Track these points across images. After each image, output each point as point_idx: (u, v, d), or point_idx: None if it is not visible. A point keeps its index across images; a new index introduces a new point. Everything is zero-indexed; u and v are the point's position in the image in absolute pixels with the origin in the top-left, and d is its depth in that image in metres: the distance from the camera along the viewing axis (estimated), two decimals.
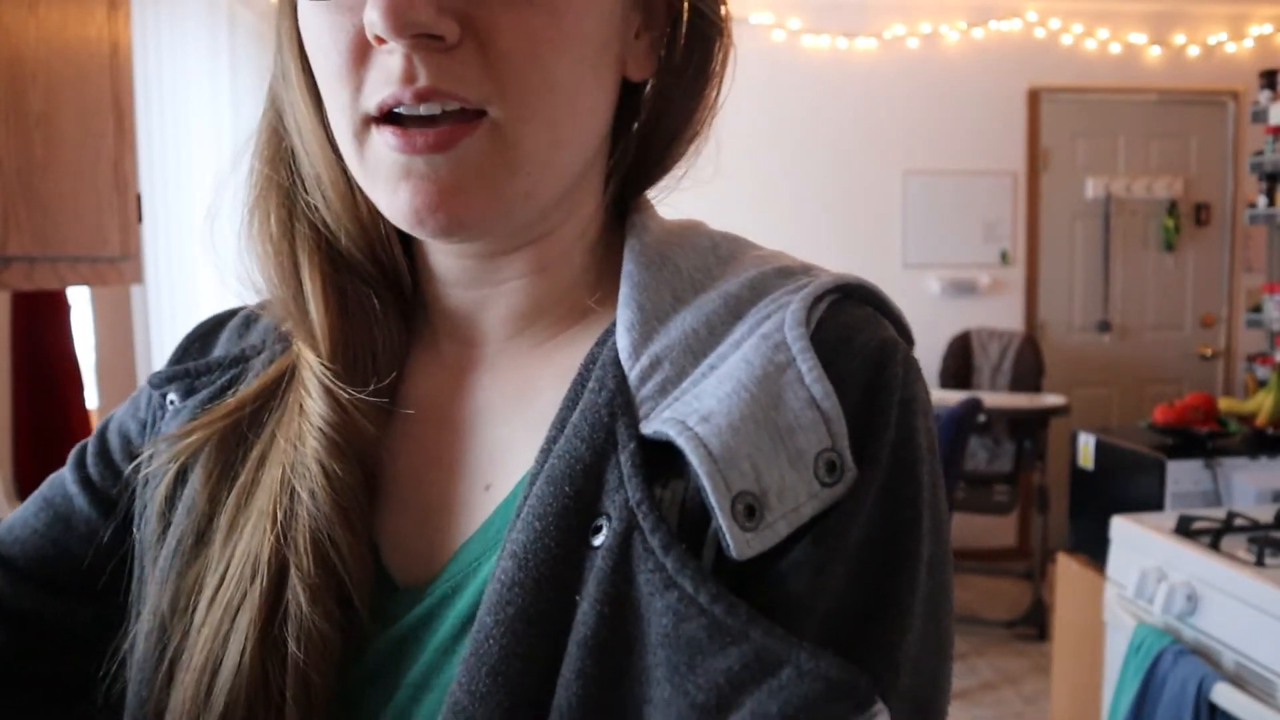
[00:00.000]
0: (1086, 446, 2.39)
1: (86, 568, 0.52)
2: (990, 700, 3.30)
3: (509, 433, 0.47)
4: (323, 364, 0.46)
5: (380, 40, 0.39)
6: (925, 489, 0.40)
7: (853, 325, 0.43)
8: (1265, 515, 1.84)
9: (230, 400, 0.49)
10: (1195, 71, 4.64)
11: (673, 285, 0.46)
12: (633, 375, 0.42)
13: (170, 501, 0.49)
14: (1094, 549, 2.16)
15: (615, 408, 0.41)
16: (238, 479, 0.47)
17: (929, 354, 4.46)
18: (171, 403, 0.51)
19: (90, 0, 1.49)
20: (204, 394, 0.50)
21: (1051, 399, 3.92)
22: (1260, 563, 1.60)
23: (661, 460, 0.39)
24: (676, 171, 0.53)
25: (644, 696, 0.36)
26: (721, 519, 0.37)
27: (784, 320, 0.42)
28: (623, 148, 0.50)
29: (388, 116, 0.40)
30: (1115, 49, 4.60)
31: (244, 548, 0.45)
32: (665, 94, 0.49)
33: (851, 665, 0.35)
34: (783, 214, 4.51)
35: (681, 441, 0.38)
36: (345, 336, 0.47)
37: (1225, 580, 1.62)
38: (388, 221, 0.44)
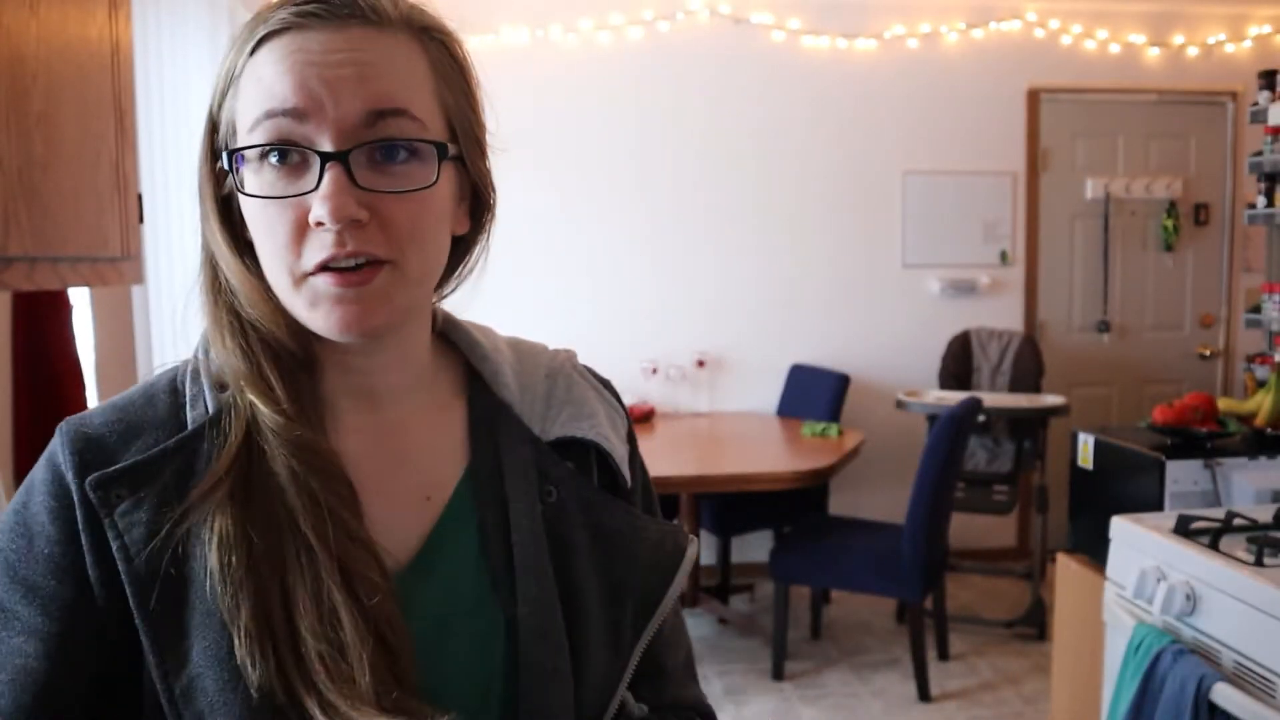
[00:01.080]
0: (1086, 446, 2.39)
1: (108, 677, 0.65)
2: (990, 700, 3.30)
3: (430, 462, 0.73)
4: (289, 420, 0.66)
5: (320, 224, 0.62)
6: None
7: (595, 372, 0.84)
8: (1264, 515, 1.84)
9: (217, 468, 0.65)
10: (1194, 72, 4.65)
11: (509, 363, 0.79)
12: (521, 412, 0.76)
13: (182, 553, 0.64)
14: (1094, 549, 2.17)
15: (523, 429, 0.75)
16: (257, 519, 0.64)
17: (929, 354, 4.46)
18: (120, 496, 0.64)
19: (91, 1, 1.50)
20: (165, 479, 0.65)
21: (1051, 399, 3.92)
22: (1259, 563, 1.61)
23: (558, 452, 0.76)
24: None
25: (620, 552, 0.74)
26: (623, 468, 0.78)
27: (582, 374, 0.82)
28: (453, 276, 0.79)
29: (321, 266, 0.63)
30: (1115, 49, 4.60)
31: (295, 561, 0.63)
32: (462, 243, 0.76)
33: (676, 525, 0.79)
34: (783, 214, 4.51)
35: (592, 436, 0.77)
36: (299, 402, 0.68)
37: (1224, 580, 1.62)
38: (303, 328, 0.67)
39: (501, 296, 4.53)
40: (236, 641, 0.61)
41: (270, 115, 0.63)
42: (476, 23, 4.25)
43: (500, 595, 0.70)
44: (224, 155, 0.65)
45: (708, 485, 3.38)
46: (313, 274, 0.63)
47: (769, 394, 4.50)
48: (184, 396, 0.69)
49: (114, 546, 0.63)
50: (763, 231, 4.51)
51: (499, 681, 0.69)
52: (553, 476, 0.74)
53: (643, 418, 4.25)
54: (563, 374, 0.80)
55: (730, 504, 3.99)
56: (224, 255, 0.68)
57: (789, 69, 4.45)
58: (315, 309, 0.64)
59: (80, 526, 0.64)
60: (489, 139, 0.74)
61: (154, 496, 0.64)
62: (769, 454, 3.75)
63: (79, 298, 2.25)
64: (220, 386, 0.68)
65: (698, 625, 3.97)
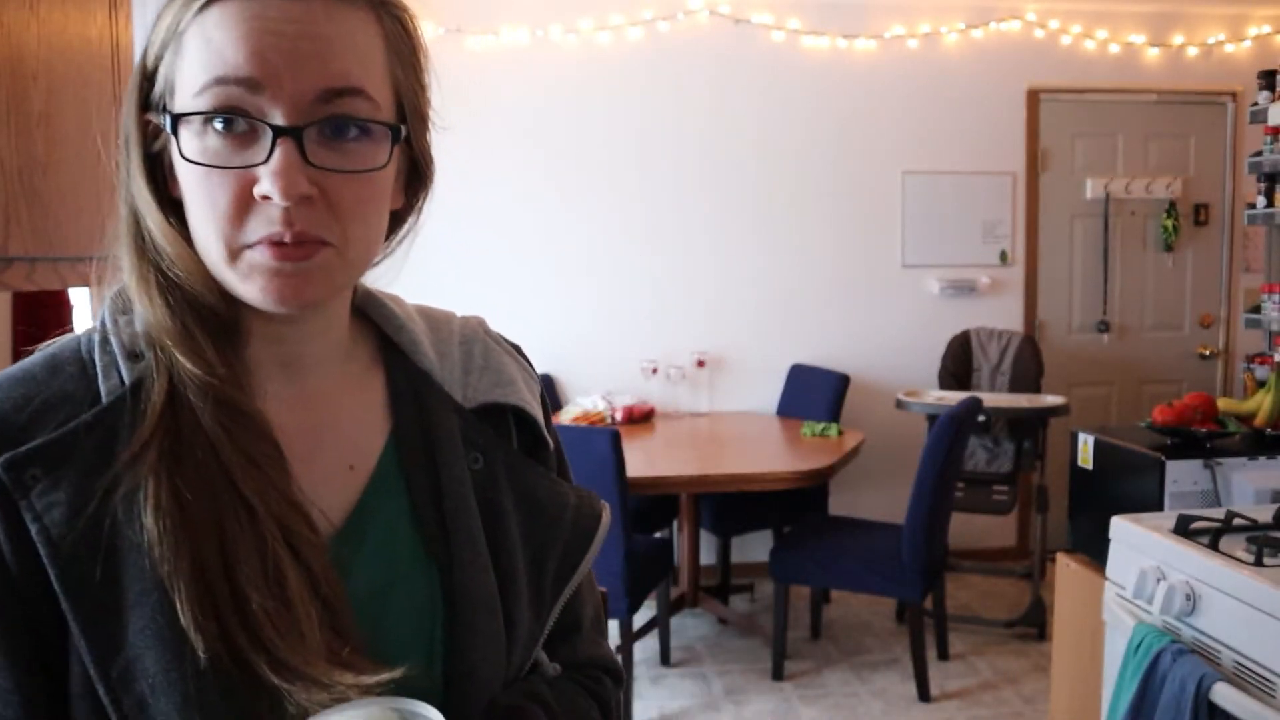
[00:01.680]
0: (1086, 446, 2.39)
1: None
2: (990, 700, 3.30)
3: (353, 431, 0.73)
4: (219, 381, 0.64)
5: (267, 199, 0.60)
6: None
7: (505, 337, 0.85)
8: (1264, 515, 1.84)
9: (143, 430, 0.62)
10: (1194, 72, 4.65)
11: (425, 332, 0.79)
12: (442, 379, 0.76)
13: (111, 527, 0.60)
14: (1093, 549, 2.17)
15: (446, 397, 0.76)
16: (191, 479, 0.62)
17: (929, 354, 4.46)
18: (35, 478, 0.59)
19: (91, 1, 1.50)
20: (86, 454, 0.61)
21: (1051, 399, 3.92)
22: (1259, 562, 1.61)
23: (479, 418, 0.77)
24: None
25: (542, 516, 0.76)
26: (545, 431, 0.81)
27: (496, 340, 0.83)
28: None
29: (259, 240, 0.62)
30: (1114, 49, 4.61)
31: (234, 520, 0.62)
32: (394, 217, 0.74)
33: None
34: (783, 214, 4.51)
35: (515, 401, 0.78)
36: (227, 365, 0.66)
37: (1224, 580, 1.62)
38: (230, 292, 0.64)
39: (502, 296, 4.55)
40: (179, 607, 0.58)
41: (221, 82, 0.60)
42: (476, 23, 4.25)
43: (436, 561, 0.70)
44: (165, 116, 0.63)
45: (708, 485, 3.38)
46: (251, 246, 0.62)
47: (769, 394, 4.50)
48: (94, 367, 0.65)
49: (33, 530, 0.59)
50: (763, 231, 4.51)
51: (439, 645, 0.70)
52: (478, 444, 0.75)
53: (643, 418, 4.25)
54: (478, 340, 0.81)
55: (730, 504, 3.98)
56: (151, 213, 0.66)
57: (789, 69, 4.45)
58: (250, 281, 0.63)
59: (9, 508, 0.60)
60: (433, 116, 0.73)
61: (74, 473, 0.60)
62: (769, 454, 3.75)
63: (79, 298, 2.25)
64: (133, 356, 0.65)
65: (698, 625, 3.97)
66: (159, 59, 0.64)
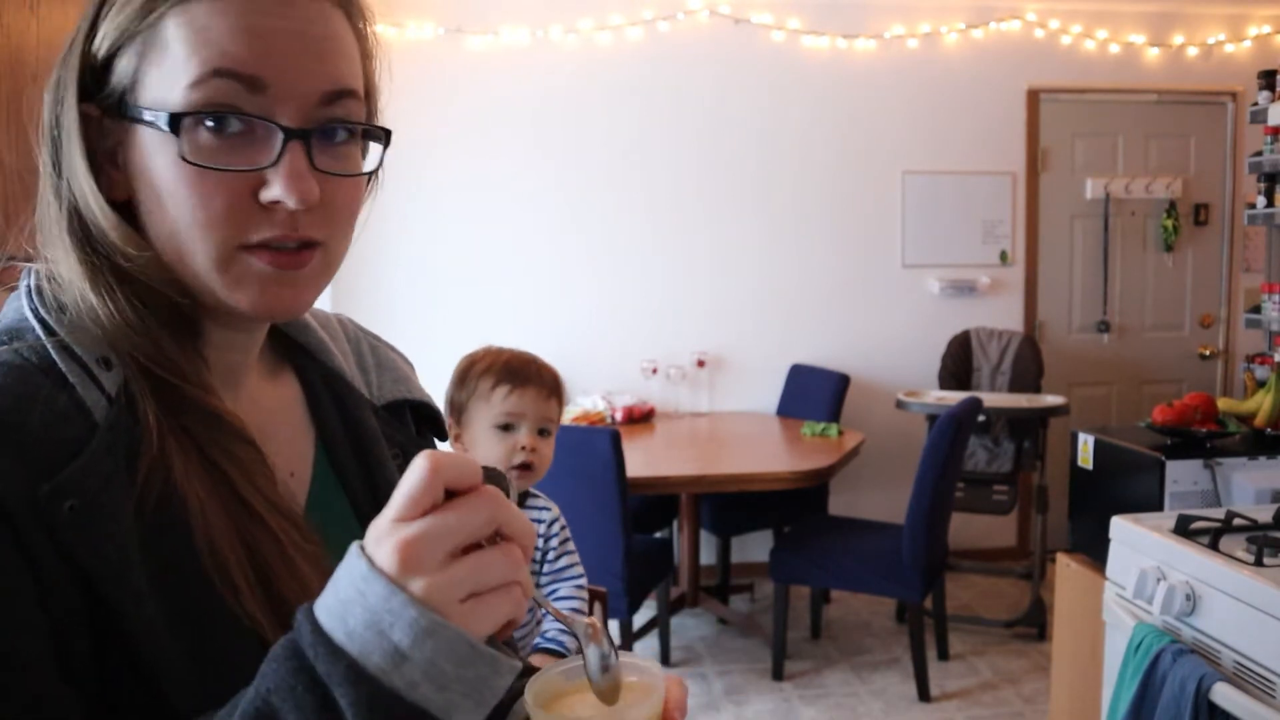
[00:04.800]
0: (1086, 446, 2.39)
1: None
2: (990, 700, 3.30)
3: (286, 437, 0.72)
4: (193, 386, 0.62)
5: (276, 204, 0.59)
6: None
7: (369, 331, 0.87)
8: (1264, 515, 1.84)
9: (150, 450, 0.58)
10: (1194, 72, 4.65)
11: (333, 339, 0.79)
12: (352, 379, 0.77)
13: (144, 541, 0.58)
14: (1094, 549, 2.17)
15: (362, 397, 0.77)
16: (201, 488, 0.60)
17: (929, 354, 4.46)
18: (74, 509, 0.53)
19: (91, 1, 1.50)
20: (115, 479, 0.56)
21: (1051, 399, 3.92)
22: (1259, 562, 1.60)
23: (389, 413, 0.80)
24: None
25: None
26: (442, 423, 0.85)
27: (375, 337, 0.84)
28: None
29: (258, 244, 0.60)
30: (1114, 49, 4.61)
31: (251, 527, 0.61)
32: None
33: None
34: (783, 214, 4.51)
35: (415, 396, 0.81)
36: (194, 365, 0.64)
37: (1224, 580, 1.62)
38: (193, 297, 0.62)
39: (502, 296, 4.55)
40: (239, 607, 0.58)
41: (221, 74, 0.57)
42: (476, 23, 4.25)
43: None
44: (152, 113, 0.58)
45: (708, 485, 3.38)
46: (247, 250, 0.60)
47: (769, 394, 4.50)
48: (66, 378, 0.57)
49: (86, 563, 0.53)
50: (763, 231, 4.51)
51: None
52: (396, 440, 0.77)
53: (643, 418, 4.25)
54: (364, 339, 0.83)
55: (730, 504, 3.98)
56: (102, 211, 0.61)
57: (789, 69, 4.45)
58: (242, 289, 0.61)
59: (22, 544, 0.52)
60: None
61: (108, 499, 0.55)
62: (769, 454, 3.75)
63: None
64: (103, 362, 0.59)
65: (698, 625, 3.97)
66: (118, 47, 0.60)
